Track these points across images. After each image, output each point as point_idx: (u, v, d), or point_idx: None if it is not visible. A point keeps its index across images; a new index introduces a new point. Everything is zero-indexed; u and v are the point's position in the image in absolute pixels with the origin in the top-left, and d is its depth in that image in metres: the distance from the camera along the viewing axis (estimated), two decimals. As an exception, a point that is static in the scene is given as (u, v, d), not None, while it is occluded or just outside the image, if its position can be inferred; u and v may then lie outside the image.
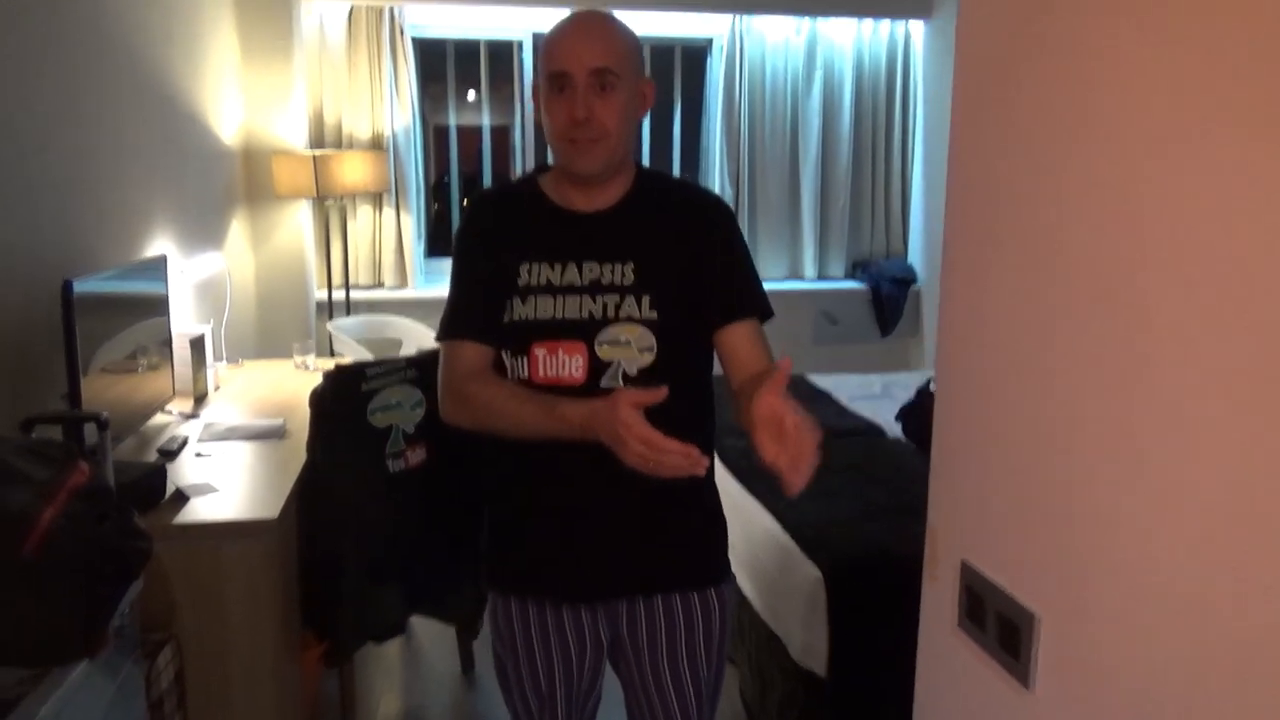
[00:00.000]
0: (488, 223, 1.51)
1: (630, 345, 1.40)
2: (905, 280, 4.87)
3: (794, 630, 2.18)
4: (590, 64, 1.35)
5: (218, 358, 3.14)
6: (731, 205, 4.72)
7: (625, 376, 1.39)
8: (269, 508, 1.98)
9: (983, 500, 1.05)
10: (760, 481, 2.61)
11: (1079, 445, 0.87)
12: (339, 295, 4.23)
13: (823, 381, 3.78)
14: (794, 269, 4.92)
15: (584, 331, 1.39)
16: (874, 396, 3.57)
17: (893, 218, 4.96)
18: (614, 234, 1.44)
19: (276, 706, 2.03)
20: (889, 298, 4.84)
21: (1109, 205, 0.82)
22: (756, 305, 1.48)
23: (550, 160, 1.51)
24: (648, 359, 1.40)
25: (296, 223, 4.13)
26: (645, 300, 1.40)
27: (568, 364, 1.40)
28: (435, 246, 4.70)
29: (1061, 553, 0.90)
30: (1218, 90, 0.70)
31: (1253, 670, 0.70)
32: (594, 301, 1.40)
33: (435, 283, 4.55)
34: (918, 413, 2.73)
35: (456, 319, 1.49)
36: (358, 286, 4.39)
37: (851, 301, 4.89)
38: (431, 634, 3.01)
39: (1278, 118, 0.65)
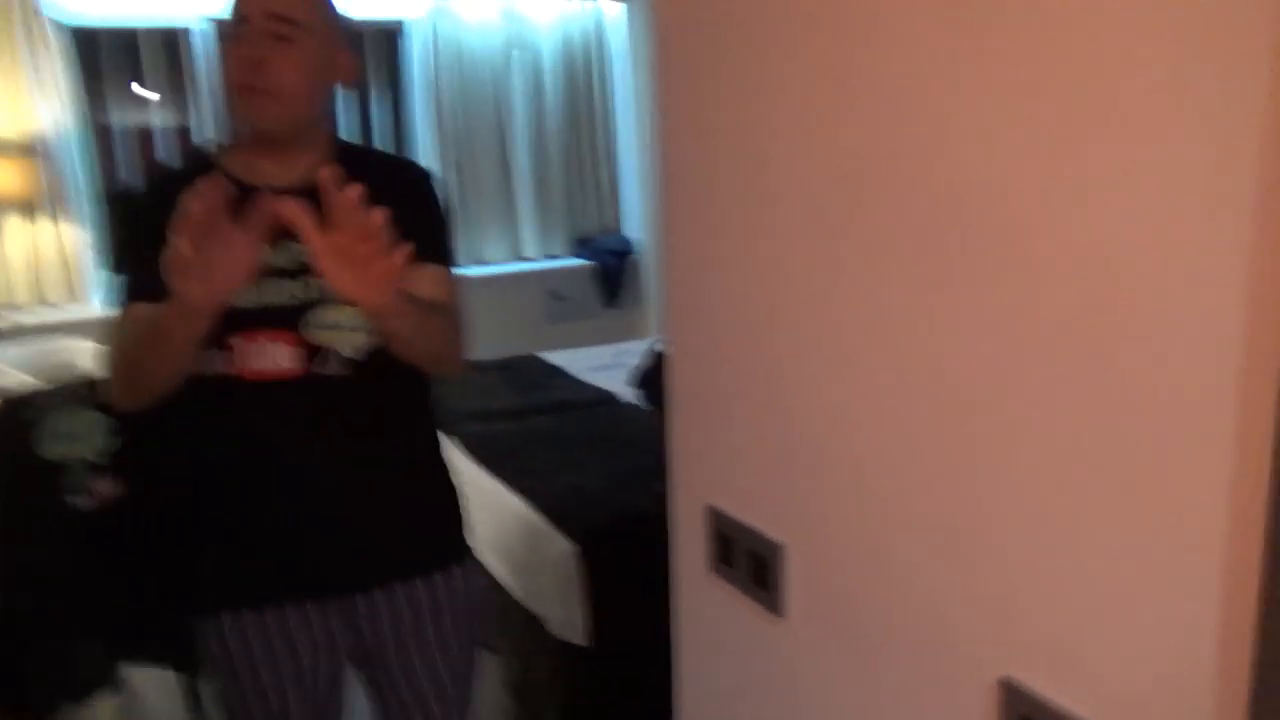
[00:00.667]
0: (161, 201, 1.28)
1: (343, 327, 1.28)
2: (624, 252, 4.98)
3: (551, 606, 2.13)
4: (268, 7, 1.24)
5: None
6: (445, 191, 4.58)
7: (341, 359, 1.29)
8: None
9: (722, 446, 1.05)
10: (505, 462, 2.54)
11: (801, 379, 0.88)
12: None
13: (555, 358, 3.77)
14: (516, 250, 4.87)
15: (290, 318, 1.27)
16: (605, 367, 3.60)
17: (604, 193, 5.04)
18: (314, 209, 1.30)
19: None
20: (611, 270, 4.93)
21: (806, 138, 0.82)
22: (441, 253, 1.38)
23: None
24: (362, 338, 1.29)
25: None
26: None
27: (273, 353, 1.27)
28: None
29: (799, 483, 0.91)
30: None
31: (980, 560, 0.72)
32: (298, 283, 1.27)
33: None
34: (654, 375, 2.76)
35: (134, 281, 1.30)
36: (16, 308, 3.81)
37: (577, 278, 4.92)
38: (148, 680, 2.66)
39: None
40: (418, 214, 1.37)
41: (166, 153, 4.24)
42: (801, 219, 0.85)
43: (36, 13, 3.78)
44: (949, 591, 0.75)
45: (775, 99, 0.86)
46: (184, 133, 4.27)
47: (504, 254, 4.82)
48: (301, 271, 1.27)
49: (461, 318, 1.41)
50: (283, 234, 1.26)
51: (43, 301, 3.91)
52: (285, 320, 1.27)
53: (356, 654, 1.41)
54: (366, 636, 1.39)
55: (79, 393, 2.07)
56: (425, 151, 4.56)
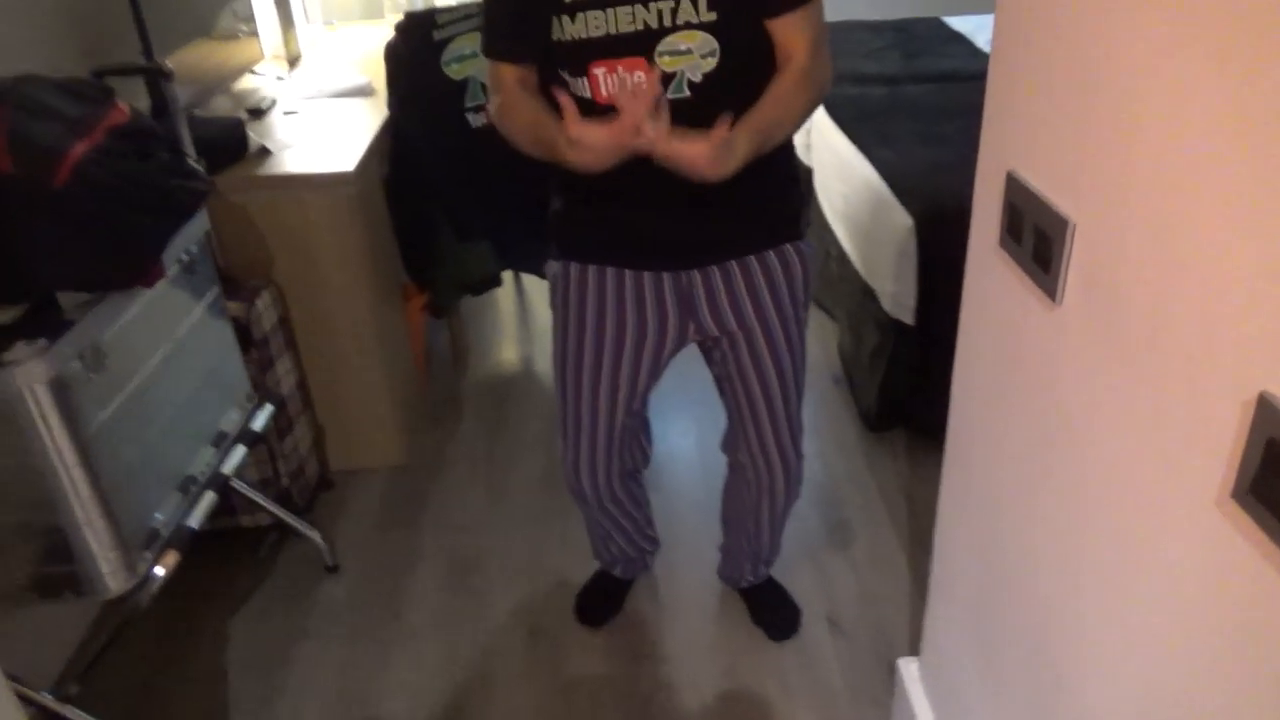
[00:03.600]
0: None
1: (692, 53, 1.28)
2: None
3: (885, 281, 2.10)
4: None
5: (311, 21, 3.08)
6: None
7: (690, 84, 1.29)
8: (347, 161, 1.99)
9: (1029, 106, 0.91)
10: (866, 128, 2.42)
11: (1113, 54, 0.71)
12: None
13: (960, 24, 3.39)
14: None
15: (642, 44, 1.27)
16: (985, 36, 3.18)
17: None
18: None
19: (381, 349, 2.17)
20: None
21: None
22: None
23: None
24: (710, 64, 1.28)
25: None
26: (703, 1, 1.24)
27: (629, 79, 1.29)
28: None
29: (1101, 158, 0.78)
30: None
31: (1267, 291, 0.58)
32: (648, 10, 1.26)
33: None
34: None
35: (490, 38, 1.39)
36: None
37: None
38: (540, 286, 3.10)
39: None
40: None
41: None
42: None
43: None
44: (1224, 299, 0.62)
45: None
46: None
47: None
48: None
49: (823, 56, 1.34)
50: None
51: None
52: (638, 47, 1.27)
53: (698, 329, 1.51)
54: (704, 310, 1.48)
55: (475, 15, 2.26)
56: None
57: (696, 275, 1.46)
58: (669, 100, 1.28)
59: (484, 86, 2.28)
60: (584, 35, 1.28)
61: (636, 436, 1.70)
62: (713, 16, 1.26)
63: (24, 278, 1.24)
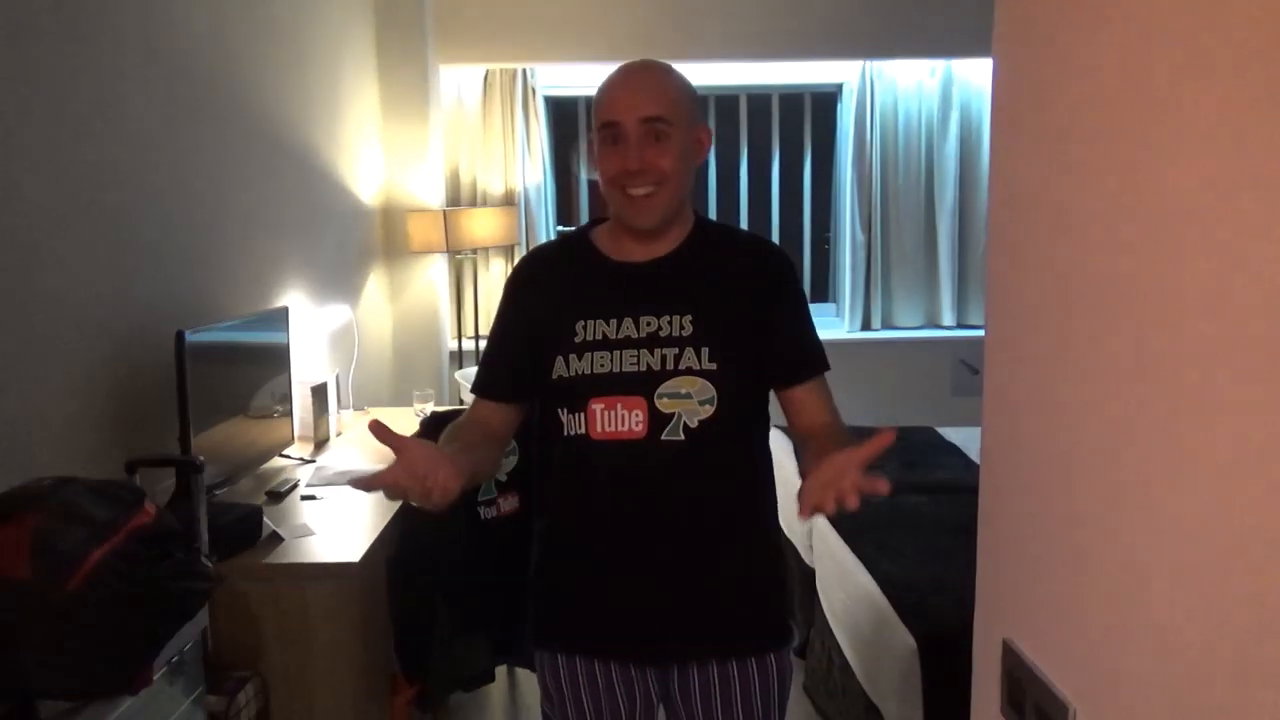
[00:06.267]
0: (536, 277, 1.52)
1: (690, 398, 1.37)
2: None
3: (889, 700, 2.03)
4: (641, 113, 1.36)
5: (343, 406, 3.28)
6: (864, 252, 4.59)
7: (686, 429, 1.37)
8: (353, 551, 2.03)
9: (1026, 579, 0.94)
10: (866, 539, 2.47)
11: (1121, 530, 0.76)
12: (470, 345, 4.36)
13: (953, 435, 3.58)
14: (931, 317, 4.72)
15: (643, 385, 1.37)
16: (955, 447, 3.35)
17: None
18: (671, 284, 1.42)
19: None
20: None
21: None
22: (820, 363, 1.47)
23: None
24: (708, 411, 1.37)
25: (430, 276, 4.31)
26: (705, 352, 1.37)
27: (627, 419, 1.38)
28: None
29: (1100, 643, 0.79)
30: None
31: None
32: (652, 355, 1.38)
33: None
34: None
35: (482, 377, 1.52)
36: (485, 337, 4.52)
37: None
38: (534, 683, 2.99)
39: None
40: (786, 307, 1.45)
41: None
42: (1130, 367, 0.74)
43: (533, 91, 4.49)
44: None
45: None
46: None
47: (918, 319, 4.70)
48: (653, 343, 1.38)
49: (836, 413, 1.48)
50: (641, 306, 1.39)
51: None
52: (639, 387, 1.37)
53: (667, 704, 1.48)
54: (676, 699, 1.45)
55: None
56: (847, 211, 4.61)
57: (674, 670, 1.43)
58: (663, 441, 1.34)
59: (497, 483, 2.38)
60: (588, 372, 1.37)
61: None
62: (713, 366, 1.36)
63: (10, 679, 1.22)
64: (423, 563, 2.28)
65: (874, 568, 2.26)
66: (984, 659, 1.05)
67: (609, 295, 1.42)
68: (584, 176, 4.83)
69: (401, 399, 4.00)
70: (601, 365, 1.37)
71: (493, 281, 4.57)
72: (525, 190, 4.54)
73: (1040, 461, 0.87)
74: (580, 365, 1.39)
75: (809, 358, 1.45)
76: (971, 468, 3.11)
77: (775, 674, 1.44)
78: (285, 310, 2.76)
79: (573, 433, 1.39)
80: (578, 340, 1.39)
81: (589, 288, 1.45)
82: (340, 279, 3.66)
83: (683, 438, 1.36)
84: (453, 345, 4.47)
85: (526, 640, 2.46)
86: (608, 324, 1.39)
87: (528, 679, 3.02)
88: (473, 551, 2.36)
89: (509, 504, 2.39)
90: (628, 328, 1.38)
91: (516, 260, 4.49)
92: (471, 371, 4.08)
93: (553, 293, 1.46)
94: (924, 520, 2.59)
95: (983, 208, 4.58)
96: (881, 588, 2.16)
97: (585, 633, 1.45)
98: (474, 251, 4.42)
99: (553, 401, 1.42)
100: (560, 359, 1.40)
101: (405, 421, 3.26)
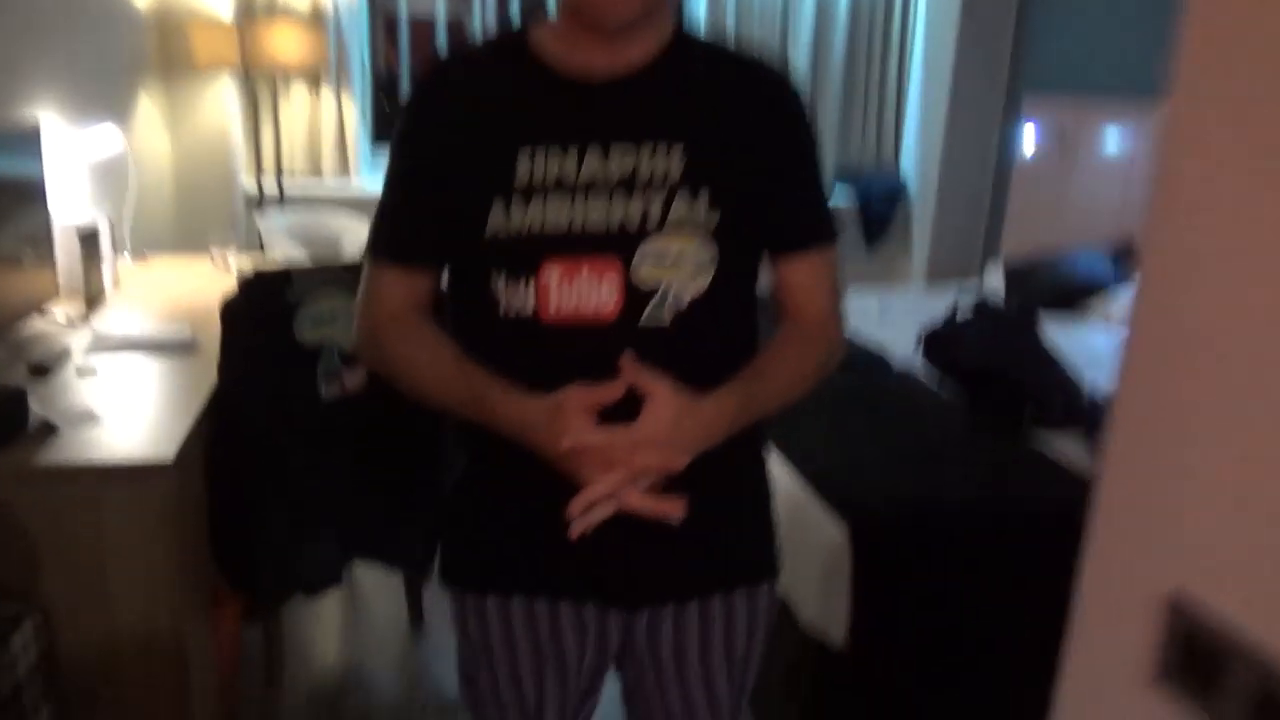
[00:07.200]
0: (454, 97, 1.06)
1: (682, 264, 0.99)
2: (894, 191, 4.50)
3: (807, 596, 1.84)
4: None
5: (118, 251, 2.66)
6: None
7: (674, 309, 1.00)
8: (165, 446, 1.56)
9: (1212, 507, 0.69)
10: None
11: None
12: (273, 187, 3.72)
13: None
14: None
15: (618, 245, 0.98)
16: (870, 318, 3.21)
17: (885, 126, 4.54)
18: (652, 105, 1.02)
19: (179, 676, 1.65)
20: (877, 209, 4.48)
21: None
22: (829, 229, 1.12)
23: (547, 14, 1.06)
24: (703, 283, 1.00)
25: (219, 100, 3.59)
26: (703, 197, 0.99)
27: (593, 292, 0.98)
28: (384, 136, 4.18)
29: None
30: None
31: None
32: (629, 202, 0.98)
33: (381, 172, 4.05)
34: (944, 341, 2.37)
35: (383, 233, 1.09)
36: (292, 176, 3.88)
37: (838, 212, 4.50)
38: (374, 580, 2.64)
39: None
40: (795, 151, 1.08)
41: (443, 40, 4.15)
42: None
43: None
44: None
45: None
46: (458, 28, 4.17)
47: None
48: (635, 184, 0.99)
49: (840, 299, 1.14)
50: (611, 132, 1.00)
51: (315, 173, 3.97)
52: (613, 248, 0.98)
53: (624, 654, 1.18)
54: (642, 645, 1.15)
55: (340, 276, 1.96)
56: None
57: (644, 613, 1.13)
58: (642, 329, 0.99)
59: (341, 353, 1.94)
60: (538, 227, 0.98)
61: None
62: (715, 217, 0.99)
63: None
64: (250, 454, 1.84)
65: (787, 451, 2.03)
66: (1114, 617, 0.81)
67: (565, 118, 1.01)
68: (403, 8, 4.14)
69: (191, 245, 3.33)
70: (557, 217, 0.98)
71: (295, 114, 3.89)
72: (336, 8, 3.83)
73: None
74: (526, 216, 0.98)
75: (817, 220, 1.11)
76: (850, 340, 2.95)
77: (764, 608, 1.16)
78: (36, 131, 2.10)
79: (513, 313, 1.00)
80: (521, 181, 0.98)
81: (535, 108, 1.02)
82: (104, 95, 2.93)
83: (668, 322, 1.00)
84: (250, 186, 3.80)
85: (378, 533, 2.11)
86: (564, 158, 0.99)
87: (374, 582, 2.66)
88: (312, 435, 1.93)
89: (354, 379, 1.96)
90: (594, 164, 0.99)
91: (324, 90, 3.88)
92: (278, 215, 3.48)
93: (481, 113, 1.03)
94: (820, 399, 2.39)
95: (835, 69, 4.35)
96: (800, 474, 1.94)
97: (531, 568, 1.09)
98: (273, 76, 3.72)
99: (482, 269, 1.01)
100: (498, 206, 0.99)
101: (202, 274, 2.69)
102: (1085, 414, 2.15)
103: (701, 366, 1.01)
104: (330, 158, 3.96)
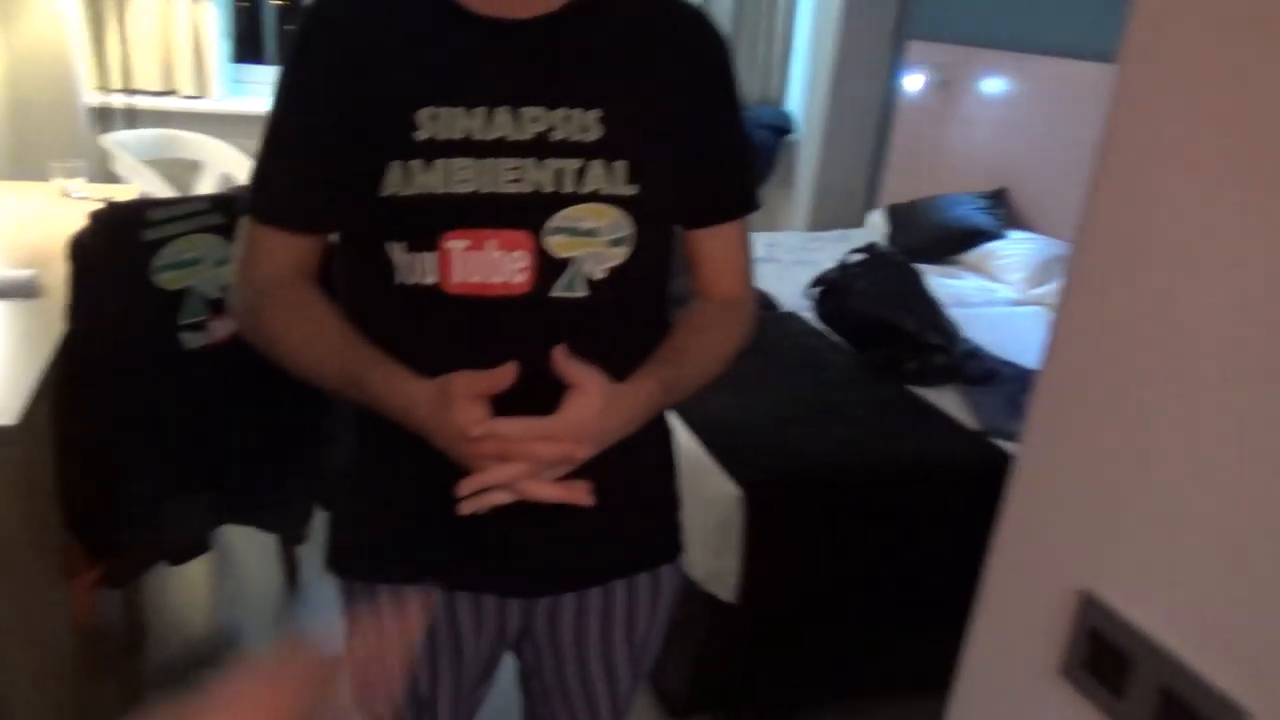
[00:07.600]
0: (347, 31, 0.94)
1: (597, 235, 0.92)
2: (780, 129, 4.48)
3: (699, 552, 1.85)
4: None
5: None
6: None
7: (588, 281, 0.93)
8: (5, 406, 1.41)
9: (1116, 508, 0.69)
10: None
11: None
12: (120, 100, 3.40)
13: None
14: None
15: (528, 214, 0.91)
16: (757, 259, 3.22)
17: (774, 61, 4.51)
18: (568, 61, 0.94)
19: (27, 651, 1.53)
20: (761, 147, 4.46)
21: None
22: (748, 199, 1.06)
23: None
24: (620, 255, 0.94)
25: (53, 6, 3.24)
26: (620, 168, 0.92)
27: (502, 263, 0.90)
28: (246, 51, 3.88)
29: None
30: None
31: None
32: (541, 168, 0.91)
33: (245, 93, 3.76)
34: (835, 292, 2.38)
35: (265, 192, 0.98)
36: (143, 93, 3.55)
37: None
38: (246, 538, 2.51)
39: None
40: (715, 111, 1.02)
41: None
42: None
43: None
44: None
45: None
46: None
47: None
48: (543, 149, 0.91)
49: (751, 273, 1.09)
50: (525, 89, 0.91)
51: (169, 90, 3.65)
52: (523, 217, 0.91)
53: (523, 638, 1.13)
54: (540, 630, 1.10)
55: (201, 212, 1.80)
56: None
57: (542, 602, 1.09)
58: (554, 300, 0.93)
59: (207, 300, 1.79)
60: (440, 190, 0.90)
61: None
62: (633, 190, 0.93)
63: None
64: (104, 410, 1.69)
65: (680, 406, 2.00)
66: (1025, 604, 0.82)
67: (470, 70, 0.92)
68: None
69: (28, 170, 3.02)
70: (463, 180, 0.89)
71: (138, 23, 3.54)
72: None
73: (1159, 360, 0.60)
74: (428, 178, 0.89)
75: (736, 188, 1.05)
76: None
77: (667, 589, 1.13)
78: None
79: (412, 281, 0.92)
80: (421, 138, 0.89)
81: (440, 55, 0.92)
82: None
83: (582, 295, 0.93)
84: (95, 101, 3.47)
85: (249, 496, 1.99)
86: (470, 115, 0.90)
87: (237, 532, 2.52)
88: (175, 389, 1.79)
89: (224, 328, 1.82)
90: (503, 124, 0.90)
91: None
92: (128, 136, 3.19)
93: (378, 58, 0.92)
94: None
95: (725, 2, 4.27)
96: (688, 427, 1.93)
97: (424, 555, 1.03)
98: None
99: (378, 232, 0.92)
100: (397, 166, 0.89)
101: (44, 204, 2.44)
102: (962, 369, 2.22)
103: (615, 341, 0.96)
104: (186, 72, 3.64)
